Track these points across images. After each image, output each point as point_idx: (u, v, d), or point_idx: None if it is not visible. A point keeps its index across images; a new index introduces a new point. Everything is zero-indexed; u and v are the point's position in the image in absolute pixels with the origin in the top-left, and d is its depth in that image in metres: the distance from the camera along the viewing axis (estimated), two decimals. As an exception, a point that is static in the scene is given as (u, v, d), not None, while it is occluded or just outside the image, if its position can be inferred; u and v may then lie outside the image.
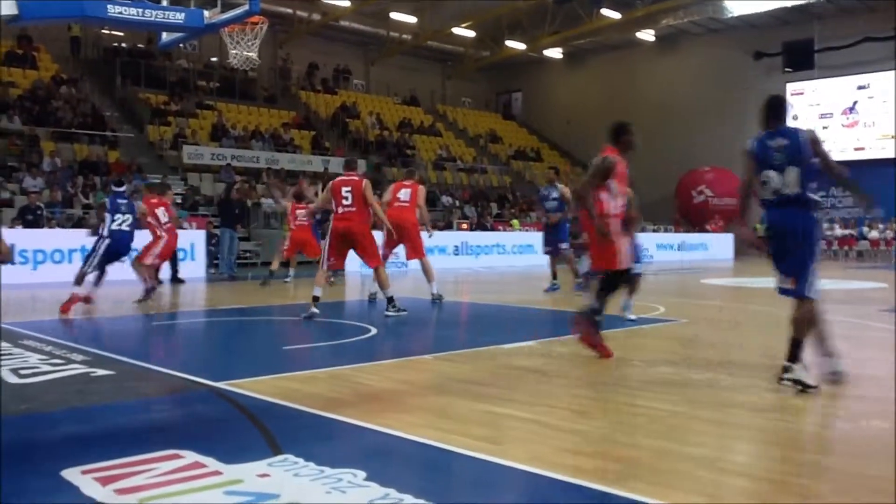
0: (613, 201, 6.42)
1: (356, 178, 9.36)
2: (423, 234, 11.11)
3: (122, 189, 10.62)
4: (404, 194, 10.92)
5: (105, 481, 3.22)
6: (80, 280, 9.73)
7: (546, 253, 13.48)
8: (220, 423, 4.38)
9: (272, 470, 3.37)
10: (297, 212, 14.11)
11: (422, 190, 11.12)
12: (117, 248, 10.11)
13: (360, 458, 3.53)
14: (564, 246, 13.04)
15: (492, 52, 38.22)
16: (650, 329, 8.45)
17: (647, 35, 35.70)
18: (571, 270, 12.78)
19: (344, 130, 31.68)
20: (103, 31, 28.79)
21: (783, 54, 34.29)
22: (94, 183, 20.63)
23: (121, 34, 29.38)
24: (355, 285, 14.85)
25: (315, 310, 8.89)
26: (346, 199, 9.12)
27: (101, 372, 5.64)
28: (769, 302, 12.03)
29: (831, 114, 33.20)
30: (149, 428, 4.25)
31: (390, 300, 9.25)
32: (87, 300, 9.89)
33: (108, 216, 10.04)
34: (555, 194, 13.17)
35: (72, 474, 3.29)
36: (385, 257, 10.64)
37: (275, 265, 14.64)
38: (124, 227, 10.10)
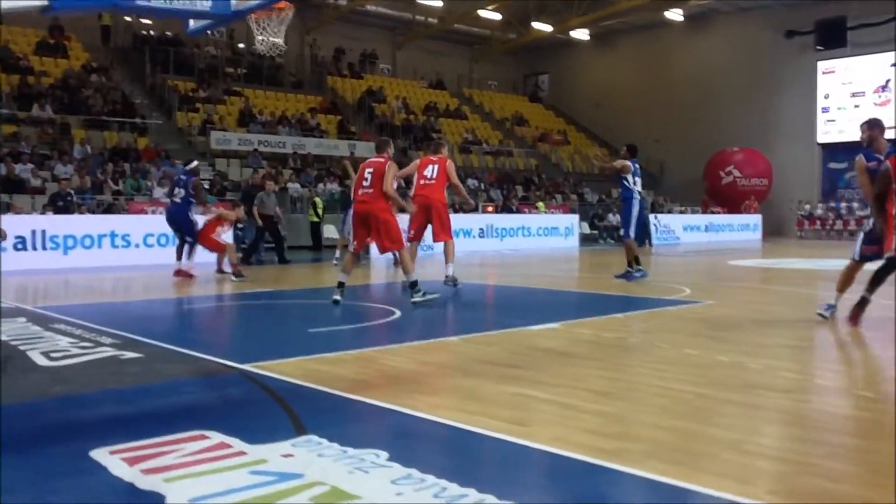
0: None
1: (381, 159, 9.03)
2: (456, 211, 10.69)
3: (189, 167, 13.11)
4: (431, 171, 10.17)
5: (132, 461, 3.26)
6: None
7: (630, 237, 12.08)
8: (245, 404, 4.43)
9: (296, 450, 3.40)
10: None
11: (450, 165, 10.28)
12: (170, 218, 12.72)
13: (383, 439, 3.55)
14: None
15: (518, 35, 37.96)
16: (675, 311, 8.39)
17: (675, 15, 35.21)
18: (633, 257, 11.77)
19: (370, 115, 31.70)
20: (133, 19, 29.02)
21: (815, 32, 33.66)
22: (124, 169, 20.85)
23: (150, 22, 29.59)
24: (380, 268, 14.88)
25: (337, 297, 8.69)
26: (367, 180, 8.89)
27: (129, 355, 5.72)
28: (796, 283, 11.89)
29: (863, 92, 32.59)
30: (175, 409, 4.31)
31: (413, 285, 8.82)
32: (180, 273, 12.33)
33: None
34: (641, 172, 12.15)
35: (100, 454, 3.34)
36: (414, 238, 10.28)
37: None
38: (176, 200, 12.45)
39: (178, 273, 12.27)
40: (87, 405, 4.43)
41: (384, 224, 8.82)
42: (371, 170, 8.91)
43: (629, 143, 12.55)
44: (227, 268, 12.54)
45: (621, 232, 12.39)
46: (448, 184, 10.22)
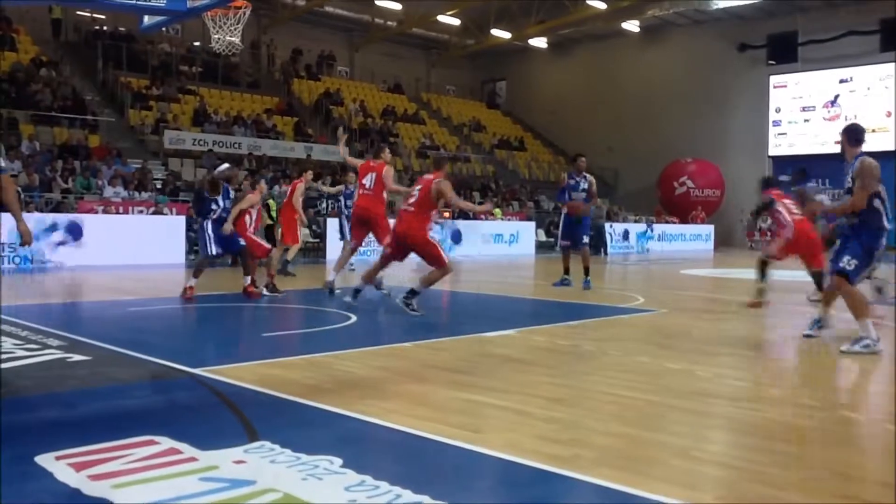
0: None
1: (379, 164, 9.98)
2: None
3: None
4: (369, 180, 9.93)
5: (79, 467, 3.20)
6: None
7: (563, 247, 12.51)
8: (196, 409, 4.37)
9: (248, 456, 3.37)
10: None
11: (387, 171, 9.91)
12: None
13: (337, 445, 3.53)
14: (586, 240, 12.23)
15: (477, 41, 38.11)
16: (628, 319, 8.50)
17: (632, 26, 35.70)
18: (585, 267, 11.87)
19: (327, 117, 31.53)
20: (85, 13, 28.47)
21: (767, 47, 34.43)
22: (74, 167, 20.43)
23: (102, 17, 29.07)
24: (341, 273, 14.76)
25: (334, 289, 10.17)
26: (367, 183, 9.83)
27: (77, 357, 5.60)
28: (746, 292, 12.13)
29: (814, 107, 33.38)
30: (124, 414, 4.23)
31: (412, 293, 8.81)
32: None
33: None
34: (584, 185, 12.04)
35: (45, 460, 3.27)
36: (354, 249, 10.74)
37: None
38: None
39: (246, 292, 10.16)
40: (32, 409, 4.33)
41: (383, 223, 9.80)
42: (372, 174, 9.85)
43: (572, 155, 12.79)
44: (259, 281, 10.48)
45: (587, 239, 12.42)
46: (388, 190, 10.01)
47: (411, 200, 8.34)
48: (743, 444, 3.86)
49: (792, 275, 7.65)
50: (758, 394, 5.03)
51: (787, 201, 9.20)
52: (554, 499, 3.07)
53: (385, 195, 10.04)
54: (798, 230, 8.79)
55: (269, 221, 21.04)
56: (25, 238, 4.90)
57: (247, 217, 10.69)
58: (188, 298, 9.57)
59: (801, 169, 10.68)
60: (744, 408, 4.57)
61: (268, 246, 10.70)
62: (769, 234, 10.66)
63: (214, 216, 9.92)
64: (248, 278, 10.12)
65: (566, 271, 12.28)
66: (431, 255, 8.31)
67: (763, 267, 8.89)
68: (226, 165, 10.68)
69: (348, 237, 14.15)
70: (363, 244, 11.14)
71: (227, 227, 9.82)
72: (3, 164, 5.26)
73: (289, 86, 32.43)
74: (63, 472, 3.14)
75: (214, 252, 9.96)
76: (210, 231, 9.88)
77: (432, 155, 12.41)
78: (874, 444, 3.96)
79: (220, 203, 9.94)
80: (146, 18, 8.02)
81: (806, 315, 7.90)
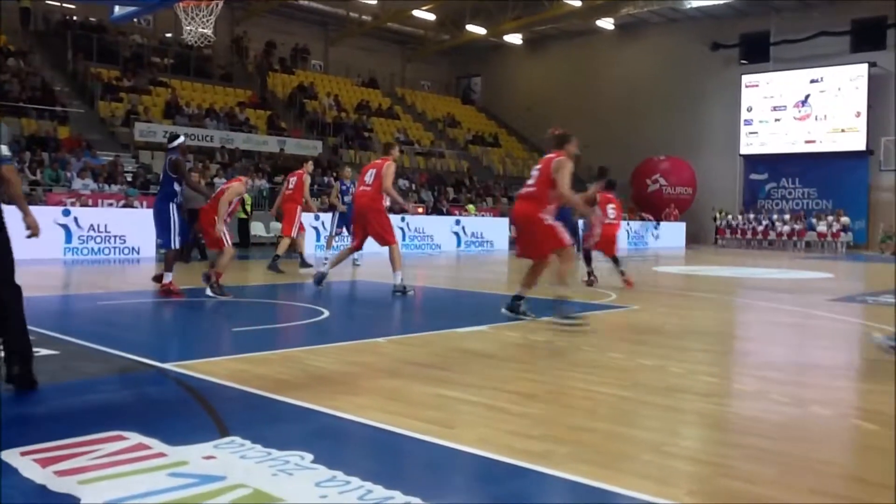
0: None
1: (382, 160, 9.90)
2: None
3: None
4: (370, 175, 9.91)
5: (45, 463, 3.14)
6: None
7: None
8: (166, 404, 4.31)
9: (218, 452, 3.33)
10: None
11: (387, 168, 9.80)
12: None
13: (308, 441, 3.50)
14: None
15: (452, 36, 38.10)
16: (601, 315, 8.53)
17: (607, 23, 35.88)
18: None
19: (301, 111, 31.35)
20: (54, 2, 28.06)
21: (740, 46, 34.77)
22: (43, 159, 20.13)
23: (72, 6, 28.66)
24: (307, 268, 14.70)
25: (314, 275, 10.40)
26: (367, 179, 9.79)
27: (44, 352, 5.50)
28: (716, 289, 12.26)
29: (784, 106, 33.77)
30: (92, 409, 4.16)
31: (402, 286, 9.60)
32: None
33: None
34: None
35: (10, 456, 3.21)
36: (356, 248, 10.27)
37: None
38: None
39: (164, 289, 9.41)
40: (-3, 404, 4.25)
41: (378, 221, 9.74)
42: (373, 170, 9.82)
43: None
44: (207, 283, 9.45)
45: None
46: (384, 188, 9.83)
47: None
48: (715, 440, 3.89)
49: (766, 272, 7.72)
50: (730, 389, 5.07)
51: (610, 206, 11.87)
52: (526, 494, 3.07)
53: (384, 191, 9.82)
54: (606, 232, 11.72)
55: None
56: (33, 230, 4.71)
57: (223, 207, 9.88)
58: (176, 293, 9.14)
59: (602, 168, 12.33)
60: (716, 403, 4.60)
61: (228, 243, 9.59)
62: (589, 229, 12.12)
63: (178, 200, 9.33)
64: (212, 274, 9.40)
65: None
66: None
67: (589, 255, 11.82)
68: (182, 138, 9.78)
69: (334, 232, 14.04)
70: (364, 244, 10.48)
71: (219, 227, 9.38)
72: (5, 153, 4.87)
73: (263, 79, 32.18)
74: (29, 469, 3.08)
75: (178, 245, 9.46)
76: (177, 219, 9.28)
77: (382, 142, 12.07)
78: (844, 439, 4.00)
79: (181, 185, 9.33)
80: (116, 8, 7.94)
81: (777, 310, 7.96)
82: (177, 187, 9.29)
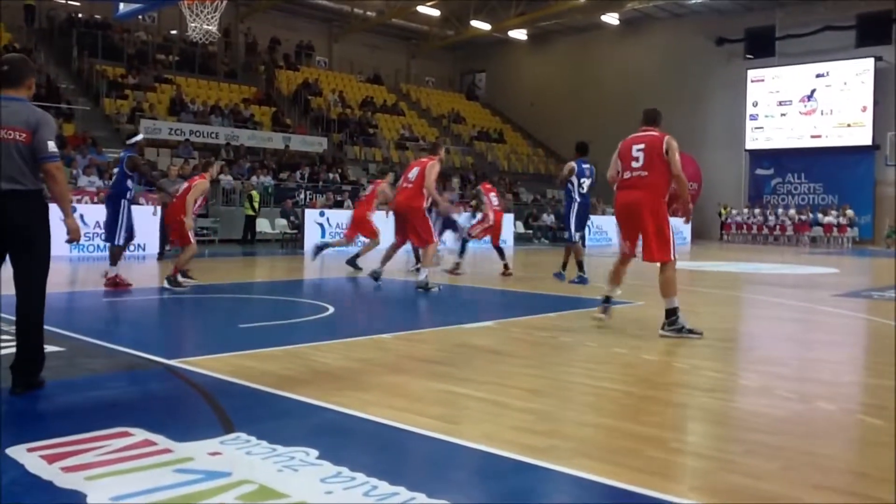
0: None
1: (427, 159, 9.95)
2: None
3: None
4: (413, 173, 9.96)
5: (52, 459, 3.16)
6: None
7: (581, 238, 11.83)
8: (172, 400, 4.33)
9: (224, 448, 3.34)
10: None
11: (430, 168, 9.80)
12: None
13: (313, 437, 3.51)
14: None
15: (457, 32, 38.04)
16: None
17: (611, 18, 35.77)
18: (577, 262, 11.56)
19: (305, 107, 31.36)
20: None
21: (745, 41, 34.64)
22: (48, 156, 20.16)
23: (77, 4, 28.69)
24: (312, 264, 14.73)
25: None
26: (410, 178, 9.87)
27: (51, 348, 5.52)
28: (721, 285, 12.24)
29: (790, 101, 33.66)
30: (98, 405, 4.18)
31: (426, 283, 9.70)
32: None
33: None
34: (590, 173, 11.19)
35: (17, 452, 3.22)
36: (399, 245, 10.51)
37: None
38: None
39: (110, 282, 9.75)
40: (3, 400, 4.27)
41: (418, 220, 9.81)
42: (417, 168, 9.89)
43: (579, 141, 11.36)
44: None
45: (566, 234, 11.88)
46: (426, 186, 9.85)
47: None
48: (719, 435, 3.89)
49: (771, 268, 7.71)
50: (734, 385, 5.07)
51: (492, 194, 13.02)
52: (531, 490, 3.07)
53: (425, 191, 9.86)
54: (496, 218, 12.91)
55: (251, 212, 21.02)
56: (73, 235, 4.52)
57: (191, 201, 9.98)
58: (124, 286, 9.41)
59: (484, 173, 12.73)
60: (720, 399, 4.60)
61: (193, 240, 9.83)
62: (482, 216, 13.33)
63: (130, 196, 9.55)
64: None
65: (565, 267, 11.80)
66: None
67: (464, 244, 12.94)
68: (140, 136, 10.26)
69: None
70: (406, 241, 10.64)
71: (188, 223, 9.56)
72: (52, 149, 4.35)
73: (269, 75, 32.18)
74: (35, 465, 3.10)
75: (123, 242, 9.65)
76: (125, 216, 9.48)
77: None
78: (848, 435, 4.00)
79: (134, 183, 9.67)
80: (121, 5, 7.95)
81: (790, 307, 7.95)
82: (130, 184, 9.55)
